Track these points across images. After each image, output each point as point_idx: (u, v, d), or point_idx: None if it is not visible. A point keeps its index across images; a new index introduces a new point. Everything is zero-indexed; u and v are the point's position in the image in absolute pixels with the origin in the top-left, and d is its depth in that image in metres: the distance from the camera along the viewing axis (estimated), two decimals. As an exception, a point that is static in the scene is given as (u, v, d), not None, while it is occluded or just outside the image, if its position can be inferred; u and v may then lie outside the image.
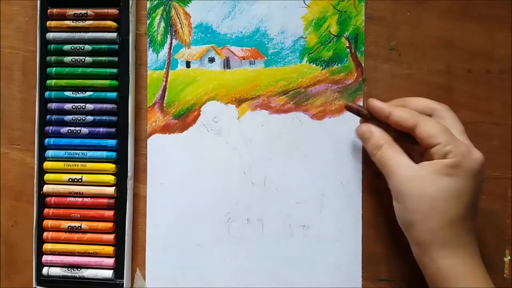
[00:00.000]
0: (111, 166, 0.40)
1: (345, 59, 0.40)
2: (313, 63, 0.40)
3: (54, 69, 0.40)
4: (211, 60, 0.41)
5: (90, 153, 0.40)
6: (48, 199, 0.40)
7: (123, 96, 0.40)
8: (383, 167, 0.34)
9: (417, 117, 0.33)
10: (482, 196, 0.34)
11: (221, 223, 0.40)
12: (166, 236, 0.41)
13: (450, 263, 0.31)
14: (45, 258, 0.40)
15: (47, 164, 0.40)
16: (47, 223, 0.40)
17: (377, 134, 0.35)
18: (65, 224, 0.40)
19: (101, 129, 0.40)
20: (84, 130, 0.40)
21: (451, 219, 0.30)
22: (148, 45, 0.41)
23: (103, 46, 0.40)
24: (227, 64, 0.41)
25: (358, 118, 0.38)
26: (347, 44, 0.40)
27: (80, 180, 0.40)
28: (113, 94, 0.40)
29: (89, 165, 0.40)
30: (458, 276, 0.30)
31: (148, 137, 0.41)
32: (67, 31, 0.40)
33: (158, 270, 0.41)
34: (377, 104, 0.35)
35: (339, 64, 0.40)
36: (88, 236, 0.40)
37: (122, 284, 0.40)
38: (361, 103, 0.40)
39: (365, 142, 0.36)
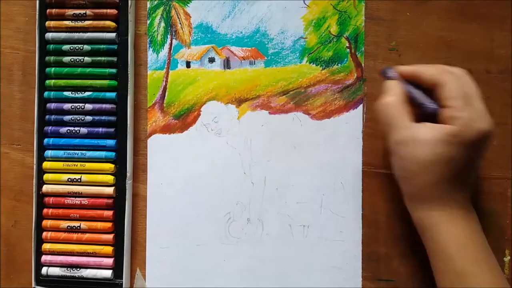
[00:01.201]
0: (110, 166, 0.40)
1: (345, 59, 0.40)
2: (313, 63, 0.40)
3: (53, 69, 0.40)
4: (211, 60, 0.41)
5: (89, 153, 0.40)
6: (47, 199, 0.40)
7: (122, 96, 0.40)
8: (384, 126, 0.34)
9: (444, 76, 0.33)
10: (487, 153, 0.34)
11: (221, 223, 0.40)
12: (166, 236, 0.41)
13: (428, 214, 0.33)
14: (44, 258, 0.40)
15: (46, 164, 0.40)
16: (46, 223, 0.40)
17: (390, 91, 0.34)
18: (64, 224, 0.40)
19: (100, 129, 0.40)
20: (83, 130, 0.40)
21: (438, 180, 0.32)
22: (148, 45, 0.41)
23: (102, 46, 0.40)
24: (227, 64, 0.41)
25: (358, 118, 0.38)
26: (347, 44, 0.40)
27: (79, 180, 0.40)
28: (112, 94, 0.40)
29: (88, 165, 0.40)
30: (433, 225, 0.32)
31: (148, 137, 0.41)
32: (66, 31, 0.40)
33: (158, 270, 0.41)
34: (403, 68, 0.35)
35: (339, 64, 0.40)
36: (87, 236, 0.40)
37: (121, 284, 0.40)
38: (361, 103, 0.40)
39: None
